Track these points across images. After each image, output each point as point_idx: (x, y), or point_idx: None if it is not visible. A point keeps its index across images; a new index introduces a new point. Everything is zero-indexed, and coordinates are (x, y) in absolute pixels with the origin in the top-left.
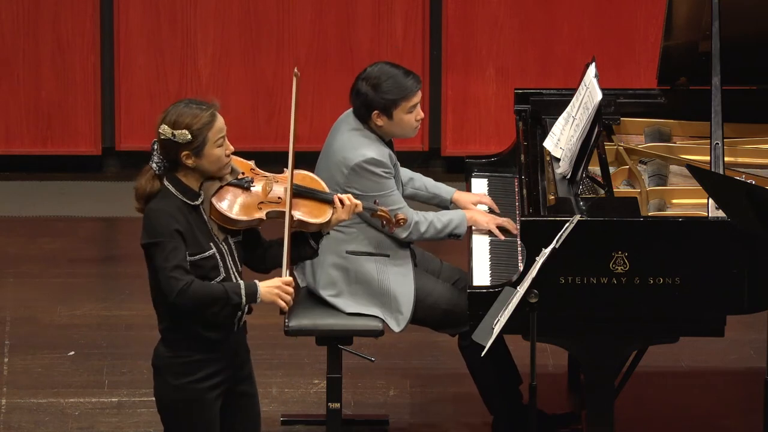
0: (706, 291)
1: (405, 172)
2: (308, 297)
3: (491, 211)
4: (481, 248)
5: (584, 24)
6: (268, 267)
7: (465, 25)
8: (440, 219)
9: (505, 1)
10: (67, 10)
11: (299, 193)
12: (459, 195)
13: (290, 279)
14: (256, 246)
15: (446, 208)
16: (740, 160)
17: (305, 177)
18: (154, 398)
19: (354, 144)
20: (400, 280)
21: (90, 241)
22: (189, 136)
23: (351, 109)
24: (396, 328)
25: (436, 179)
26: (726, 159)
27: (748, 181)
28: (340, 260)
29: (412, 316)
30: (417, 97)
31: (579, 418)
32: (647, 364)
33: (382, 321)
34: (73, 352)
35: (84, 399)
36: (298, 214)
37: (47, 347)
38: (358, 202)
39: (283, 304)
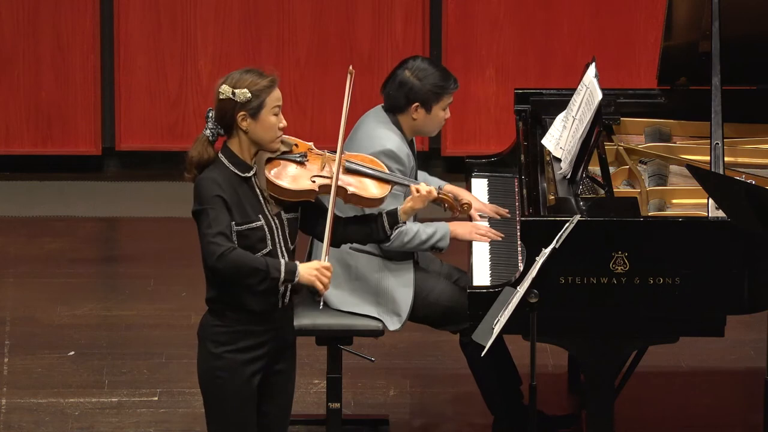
0: (706, 291)
1: None
2: (308, 296)
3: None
4: (481, 248)
5: (584, 24)
6: (338, 242)
7: (465, 25)
8: (425, 230)
9: (505, 1)
10: (67, 10)
11: (356, 171)
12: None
13: (329, 264)
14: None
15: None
16: (740, 160)
17: (365, 158)
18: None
19: (376, 135)
20: (400, 282)
21: (90, 241)
22: (249, 95)
23: (379, 105)
24: (391, 328)
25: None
26: (726, 159)
27: (748, 181)
28: (343, 255)
29: (411, 315)
30: (452, 96)
31: (579, 418)
32: (647, 364)
33: (382, 321)
34: (73, 352)
35: (84, 399)
36: (352, 189)
37: (47, 347)
38: (432, 188)
39: (320, 285)
